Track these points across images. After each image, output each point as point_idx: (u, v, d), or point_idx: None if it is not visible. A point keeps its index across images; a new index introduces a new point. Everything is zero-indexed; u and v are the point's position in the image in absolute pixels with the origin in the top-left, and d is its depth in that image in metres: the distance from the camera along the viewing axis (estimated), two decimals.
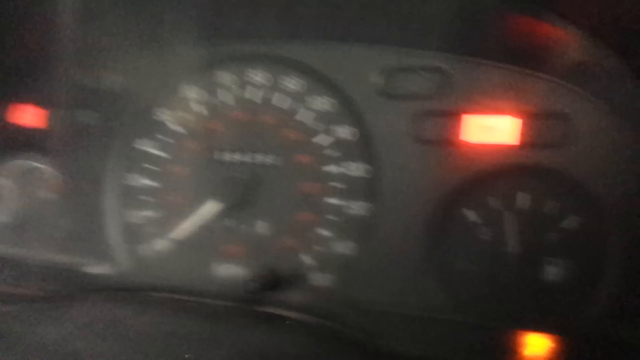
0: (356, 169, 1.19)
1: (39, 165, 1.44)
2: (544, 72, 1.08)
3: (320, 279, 1.20)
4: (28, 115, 1.43)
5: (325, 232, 1.20)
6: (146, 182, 1.32)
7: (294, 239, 1.22)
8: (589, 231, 1.06)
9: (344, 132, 1.21)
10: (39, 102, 1.43)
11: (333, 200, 1.20)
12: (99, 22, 1.26)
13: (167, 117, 1.32)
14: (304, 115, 1.23)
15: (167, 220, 1.30)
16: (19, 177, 1.46)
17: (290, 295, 1.17)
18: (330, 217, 1.20)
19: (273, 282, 1.14)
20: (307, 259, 1.21)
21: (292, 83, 1.25)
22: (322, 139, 1.22)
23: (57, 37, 1.28)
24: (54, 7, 1.17)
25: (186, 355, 0.87)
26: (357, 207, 1.19)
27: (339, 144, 1.21)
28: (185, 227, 1.26)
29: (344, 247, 1.19)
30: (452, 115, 1.13)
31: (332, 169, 1.21)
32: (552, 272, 1.07)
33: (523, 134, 1.09)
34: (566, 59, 1.04)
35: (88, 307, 1.11)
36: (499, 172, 1.10)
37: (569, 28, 0.97)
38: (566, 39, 0.98)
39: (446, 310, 1.10)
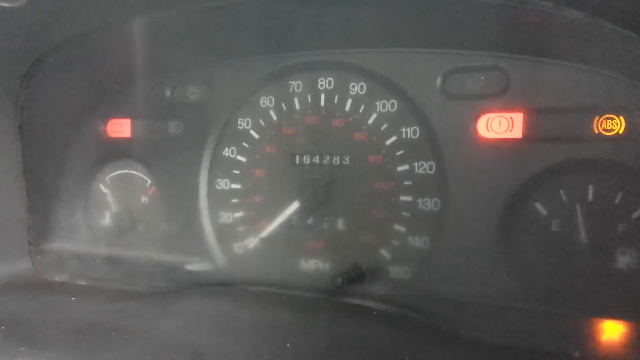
0: (424, 167, 1.26)
1: (137, 173, 1.58)
2: (603, 69, 1.09)
3: (400, 272, 1.27)
4: (125, 129, 1.58)
5: (400, 228, 1.28)
6: (235, 186, 1.45)
7: (372, 234, 1.30)
8: None
9: (411, 132, 1.27)
10: (132, 116, 1.57)
11: (405, 198, 1.27)
12: (176, 41, 1.38)
13: (250, 125, 1.43)
14: (372, 118, 1.30)
15: (255, 220, 1.42)
16: (120, 184, 1.60)
17: (373, 287, 1.27)
18: (404, 213, 1.27)
19: (357, 276, 1.24)
20: (385, 254, 1.29)
21: (360, 88, 1.32)
22: (390, 140, 1.29)
23: (141, 58, 1.41)
24: (134, 31, 1.28)
25: (287, 344, 0.98)
26: (427, 203, 1.25)
27: (406, 144, 1.27)
28: (273, 227, 1.38)
29: (419, 241, 1.26)
30: (514, 113, 1.17)
31: (402, 167, 1.28)
32: (624, 261, 1.10)
33: (585, 128, 1.11)
34: (624, 54, 1.05)
35: (194, 302, 1.24)
36: (566, 167, 1.13)
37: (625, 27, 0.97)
38: (623, 37, 0.98)
39: (520, 299, 1.14)
